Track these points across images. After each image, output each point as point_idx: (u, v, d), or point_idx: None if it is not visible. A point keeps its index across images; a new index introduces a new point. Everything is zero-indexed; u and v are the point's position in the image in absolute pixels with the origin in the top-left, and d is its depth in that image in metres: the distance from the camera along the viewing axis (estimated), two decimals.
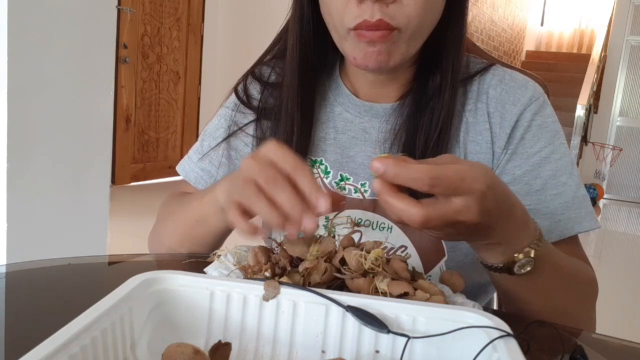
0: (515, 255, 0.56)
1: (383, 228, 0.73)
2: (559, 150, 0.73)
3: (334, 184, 0.77)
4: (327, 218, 0.75)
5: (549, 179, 0.72)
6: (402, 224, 0.52)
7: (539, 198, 0.71)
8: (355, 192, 0.76)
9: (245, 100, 0.82)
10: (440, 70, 0.72)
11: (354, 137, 0.77)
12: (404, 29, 0.65)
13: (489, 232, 0.53)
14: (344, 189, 0.76)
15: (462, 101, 0.75)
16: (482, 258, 0.59)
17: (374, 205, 0.74)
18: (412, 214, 0.46)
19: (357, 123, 0.78)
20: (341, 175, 0.77)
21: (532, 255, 0.56)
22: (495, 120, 0.74)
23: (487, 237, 0.54)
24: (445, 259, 0.73)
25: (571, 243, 0.72)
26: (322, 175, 0.77)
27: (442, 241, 0.73)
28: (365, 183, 0.75)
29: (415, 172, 0.45)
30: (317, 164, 0.78)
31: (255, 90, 0.82)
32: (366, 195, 0.75)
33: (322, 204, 0.48)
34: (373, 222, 0.74)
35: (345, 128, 0.78)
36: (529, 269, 0.57)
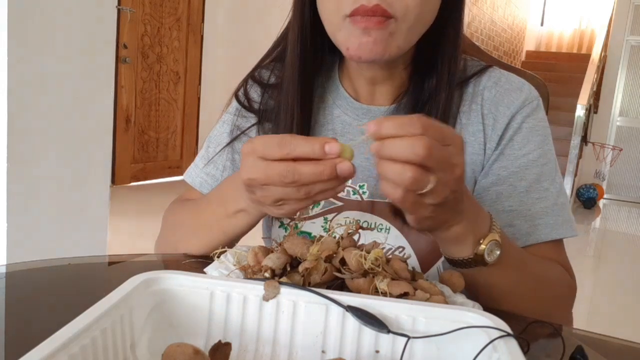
0: (481, 241, 0.58)
1: (381, 229, 0.73)
2: (547, 156, 0.74)
3: None
4: (326, 219, 0.75)
5: (533, 182, 0.72)
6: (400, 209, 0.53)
7: (521, 200, 0.72)
8: (354, 193, 0.76)
9: (246, 103, 0.82)
10: (436, 73, 0.72)
11: (352, 140, 0.77)
12: (401, 19, 0.64)
13: (459, 207, 0.55)
14: (343, 190, 0.76)
15: (457, 103, 0.75)
16: (451, 254, 0.60)
17: (372, 207, 0.74)
18: (416, 144, 0.47)
19: (355, 126, 0.78)
20: None
21: (497, 238, 0.59)
22: (488, 122, 0.74)
23: (456, 215, 0.56)
24: (442, 259, 0.73)
25: (552, 248, 0.73)
26: None
27: None
28: (363, 185, 0.75)
29: (406, 120, 0.49)
30: None
31: (255, 93, 0.82)
32: (364, 197, 0.75)
33: (334, 148, 0.50)
34: (371, 224, 0.74)
35: (344, 131, 0.78)
36: (498, 252, 0.59)
